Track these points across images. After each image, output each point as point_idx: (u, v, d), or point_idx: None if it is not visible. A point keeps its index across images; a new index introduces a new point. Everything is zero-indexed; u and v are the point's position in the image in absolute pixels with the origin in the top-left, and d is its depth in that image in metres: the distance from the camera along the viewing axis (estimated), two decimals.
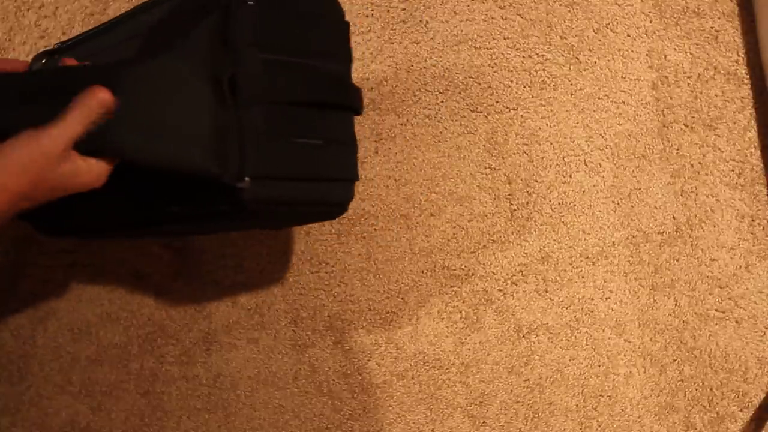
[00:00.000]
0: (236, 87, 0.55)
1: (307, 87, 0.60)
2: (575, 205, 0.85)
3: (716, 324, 0.86)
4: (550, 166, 0.85)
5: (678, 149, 0.84)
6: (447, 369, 0.88)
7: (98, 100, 0.51)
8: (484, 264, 0.86)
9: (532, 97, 0.84)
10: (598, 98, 0.84)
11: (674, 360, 0.87)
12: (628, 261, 0.86)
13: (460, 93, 0.84)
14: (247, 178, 0.55)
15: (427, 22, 0.84)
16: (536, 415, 0.88)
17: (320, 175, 0.62)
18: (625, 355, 0.87)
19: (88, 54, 0.68)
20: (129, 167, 0.53)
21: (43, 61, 0.69)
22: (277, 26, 0.58)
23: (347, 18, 0.84)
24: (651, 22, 0.83)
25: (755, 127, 0.84)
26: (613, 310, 0.87)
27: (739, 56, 0.83)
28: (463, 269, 0.86)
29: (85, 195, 0.53)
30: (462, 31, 0.84)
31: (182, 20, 0.58)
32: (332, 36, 0.64)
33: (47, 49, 0.72)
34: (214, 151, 0.54)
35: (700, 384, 0.87)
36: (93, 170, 0.53)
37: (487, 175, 0.85)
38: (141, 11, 0.66)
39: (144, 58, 0.56)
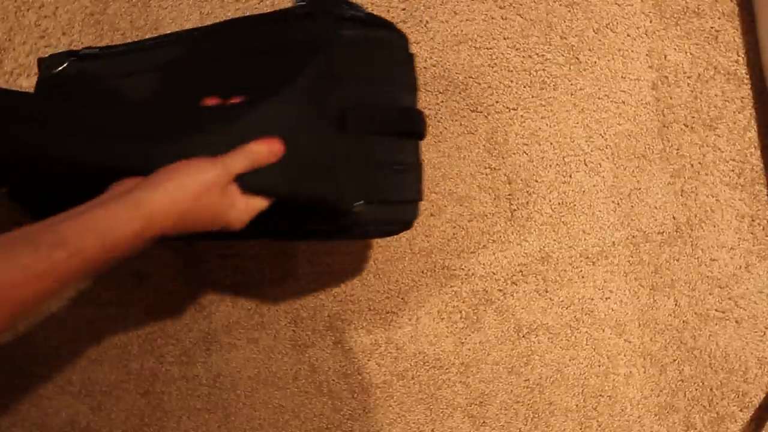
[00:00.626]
0: (347, 120, 0.60)
1: (394, 116, 0.65)
2: (575, 205, 0.85)
3: (716, 324, 0.86)
4: (550, 166, 0.85)
5: (678, 149, 0.84)
6: (447, 369, 0.88)
7: (272, 148, 0.56)
8: (484, 264, 0.86)
9: (532, 97, 0.84)
10: (598, 98, 0.84)
11: (674, 360, 0.87)
12: (628, 261, 0.86)
13: (460, 93, 0.84)
14: (361, 202, 0.61)
15: (427, 22, 0.84)
16: (536, 415, 0.89)
17: (405, 197, 0.67)
18: (625, 355, 0.87)
19: (119, 69, 0.69)
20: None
21: (66, 64, 0.70)
22: (365, 60, 0.63)
23: None
24: (651, 22, 0.83)
25: (755, 127, 0.84)
26: (613, 310, 0.87)
27: (739, 56, 0.83)
28: (463, 269, 0.86)
29: None
30: (462, 31, 0.84)
31: (285, 59, 0.62)
32: (404, 66, 0.68)
33: (72, 50, 0.72)
34: (334, 181, 0.60)
35: (700, 384, 0.87)
36: (249, 208, 0.56)
37: (487, 175, 0.85)
38: (189, 39, 0.69)
39: (281, 99, 0.58)
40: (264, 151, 0.55)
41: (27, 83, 0.83)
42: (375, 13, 0.84)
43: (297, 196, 0.58)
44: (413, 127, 0.68)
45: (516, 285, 0.86)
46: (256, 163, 0.55)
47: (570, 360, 0.87)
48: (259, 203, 0.57)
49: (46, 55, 0.74)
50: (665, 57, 0.83)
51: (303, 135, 0.58)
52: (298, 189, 0.58)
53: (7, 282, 0.43)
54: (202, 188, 0.51)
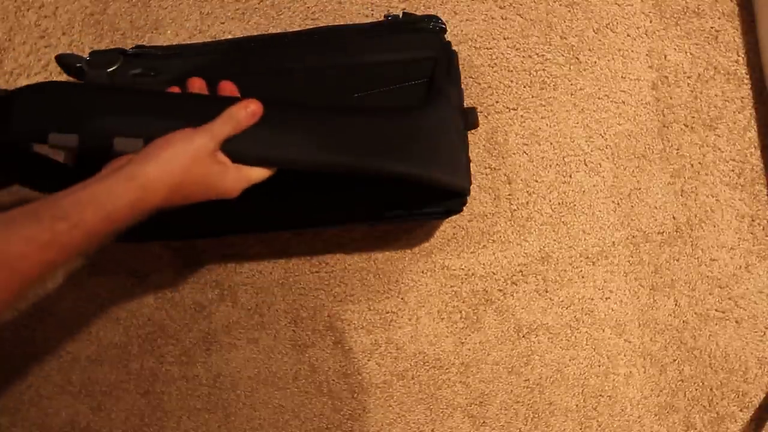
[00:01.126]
0: (467, 118, 0.73)
1: (476, 114, 0.77)
2: (575, 205, 0.85)
3: (716, 324, 0.86)
4: (550, 166, 0.85)
5: (678, 149, 0.84)
6: (447, 369, 0.88)
7: (250, 110, 0.58)
8: (484, 264, 0.86)
9: (532, 97, 0.84)
10: (598, 98, 0.84)
11: (674, 360, 0.87)
12: (628, 261, 0.86)
13: None
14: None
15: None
16: (536, 415, 0.88)
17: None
18: (625, 355, 0.87)
19: (169, 69, 0.70)
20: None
21: (118, 64, 0.69)
22: (453, 64, 0.75)
23: (347, 18, 0.85)
24: (651, 22, 0.83)
25: (755, 127, 0.84)
26: (613, 310, 0.87)
27: (739, 56, 0.83)
28: (463, 269, 0.86)
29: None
30: (462, 31, 0.84)
31: (400, 66, 0.70)
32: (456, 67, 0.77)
33: (121, 48, 0.71)
34: (462, 169, 0.71)
35: (700, 384, 0.87)
36: (242, 176, 0.57)
37: (487, 175, 0.85)
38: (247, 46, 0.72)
39: (439, 102, 0.69)
40: (243, 113, 0.57)
41: (27, 83, 0.83)
42: (375, 13, 0.84)
43: (427, 181, 0.65)
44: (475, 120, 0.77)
45: (516, 285, 0.86)
46: (239, 127, 0.57)
47: (570, 360, 0.87)
48: (255, 173, 0.58)
49: (66, 53, 0.72)
50: (665, 57, 0.83)
51: (453, 131, 0.69)
52: (434, 175, 0.66)
53: (13, 252, 0.46)
54: (191, 157, 0.53)
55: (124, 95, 0.59)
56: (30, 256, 0.46)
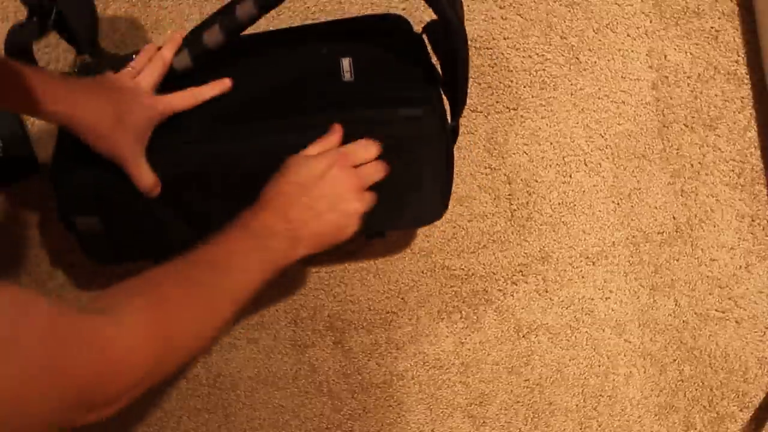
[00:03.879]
0: (454, 132, 0.70)
1: None
2: (575, 205, 0.85)
3: (716, 324, 0.86)
4: (550, 166, 0.85)
5: (678, 149, 0.84)
6: (447, 369, 0.88)
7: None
8: (484, 264, 0.86)
9: (532, 97, 0.84)
10: (598, 98, 0.84)
11: (674, 360, 0.87)
12: (628, 261, 0.86)
13: None
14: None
15: (427, 22, 0.84)
16: (536, 415, 0.88)
17: None
18: (625, 355, 0.87)
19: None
20: None
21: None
22: None
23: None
24: (651, 22, 0.83)
25: (755, 127, 0.84)
26: (613, 310, 0.87)
27: (739, 56, 0.83)
28: (463, 269, 0.86)
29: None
30: None
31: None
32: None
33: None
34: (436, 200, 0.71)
35: (700, 384, 0.87)
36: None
37: (487, 175, 0.85)
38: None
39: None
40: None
41: None
42: (374, 13, 0.84)
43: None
44: None
45: (516, 285, 0.86)
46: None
47: (570, 360, 0.87)
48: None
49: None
50: (665, 57, 0.83)
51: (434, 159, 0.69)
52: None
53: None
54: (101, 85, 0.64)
55: None
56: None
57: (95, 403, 0.42)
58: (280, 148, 0.62)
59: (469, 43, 0.84)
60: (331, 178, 0.60)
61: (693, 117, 0.84)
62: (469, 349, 0.87)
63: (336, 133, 0.63)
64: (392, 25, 0.73)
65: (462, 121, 0.85)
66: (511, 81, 0.84)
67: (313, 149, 0.62)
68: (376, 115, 0.64)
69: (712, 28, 0.83)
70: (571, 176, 0.85)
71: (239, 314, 0.57)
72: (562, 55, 0.84)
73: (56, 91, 0.58)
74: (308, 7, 0.84)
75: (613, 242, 0.85)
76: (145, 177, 0.63)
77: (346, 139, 0.63)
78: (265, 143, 0.64)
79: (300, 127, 0.64)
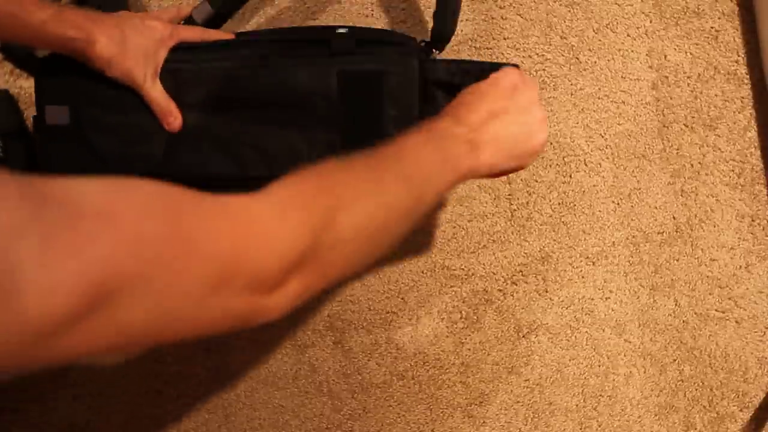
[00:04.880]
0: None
1: None
2: (575, 205, 0.85)
3: (716, 324, 0.86)
4: (550, 166, 0.85)
5: (678, 149, 0.84)
6: (447, 369, 0.88)
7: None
8: (484, 264, 0.86)
9: None
10: (598, 98, 0.84)
11: (674, 360, 0.87)
12: (628, 261, 0.86)
13: None
14: None
15: (426, 22, 0.84)
16: (536, 415, 0.88)
17: None
18: (625, 355, 0.87)
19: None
20: None
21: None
22: None
23: (347, 19, 0.85)
24: (651, 22, 0.83)
25: (755, 127, 0.84)
26: (613, 310, 0.87)
27: (739, 56, 0.83)
28: (463, 269, 0.86)
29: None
30: (462, 31, 0.84)
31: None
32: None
33: None
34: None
35: (700, 384, 0.87)
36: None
37: None
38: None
39: None
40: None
41: (27, 84, 0.83)
42: (374, 12, 0.84)
43: None
44: None
45: (516, 285, 0.86)
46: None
47: (570, 360, 0.87)
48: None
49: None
50: (665, 57, 0.83)
51: None
52: None
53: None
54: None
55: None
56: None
57: (252, 280, 0.38)
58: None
59: (469, 43, 0.84)
60: (516, 91, 0.58)
61: (693, 117, 0.84)
62: (469, 349, 0.87)
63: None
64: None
65: None
66: None
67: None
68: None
69: (712, 28, 0.83)
70: (571, 176, 0.85)
71: (420, 221, 0.51)
72: (562, 55, 0.84)
73: (69, 17, 0.59)
74: (308, 7, 0.84)
75: (613, 242, 0.85)
76: (160, 100, 0.64)
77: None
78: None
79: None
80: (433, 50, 0.72)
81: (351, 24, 0.80)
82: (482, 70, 0.66)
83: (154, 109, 0.65)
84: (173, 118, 0.65)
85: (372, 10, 0.84)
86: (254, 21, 0.85)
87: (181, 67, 0.67)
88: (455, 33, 0.84)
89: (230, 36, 0.70)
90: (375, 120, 0.67)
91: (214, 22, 0.74)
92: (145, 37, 0.64)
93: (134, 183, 0.35)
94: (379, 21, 0.83)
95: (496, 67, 0.64)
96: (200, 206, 0.37)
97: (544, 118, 0.59)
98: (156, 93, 0.65)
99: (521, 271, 0.86)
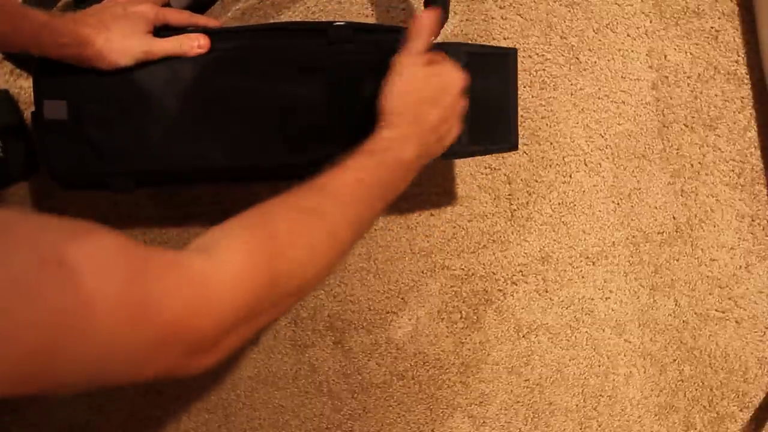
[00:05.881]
0: None
1: None
2: (575, 205, 0.85)
3: (716, 324, 0.86)
4: (550, 166, 0.85)
5: (678, 149, 0.84)
6: (447, 369, 0.88)
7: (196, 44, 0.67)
8: (484, 264, 0.86)
9: (532, 97, 0.84)
10: (598, 98, 0.84)
11: (674, 360, 0.87)
12: (628, 261, 0.86)
13: None
14: None
15: None
16: (536, 415, 0.88)
17: None
18: (625, 355, 0.87)
19: None
20: None
21: None
22: None
23: (347, 18, 0.85)
24: (651, 22, 0.83)
25: (755, 127, 0.84)
26: (613, 310, 0.87)
27: (739, 56, 0.83)
28: (463, 269, 0.86)
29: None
30: (462, 31, 0.84)
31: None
32: None
33: None
34: None
35: (700, 384, 0.87)
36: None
37: (487, 175, 0.85)
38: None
39: None
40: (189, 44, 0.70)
41: (27, 83, 0.83)
42: (375, 13, 0.84)
43: None
44: None
45: (516, 285, 0.86)
46: (180, 52, 0.68)
47: (570, 360, 0.87)
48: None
49: None
50: (665, 57, 0.83)
51: None
52: None
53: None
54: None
55: None
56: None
57: (191, 344, 0.38)
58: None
59: (469, 43, 0.84)
60: (452, 98, 0.60)
61: (693, 117, 0.84)
62: (469, 349, 0.87)
63: (426, 22, 0.62)
64: None
65: None
66: None
67: (418, 44, 0.61)
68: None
69: (712, 28, 0.83)
70: (571, 176, 0.85)
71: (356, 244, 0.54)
72: (562, 55, 0.84)
73: (60, 24, 0.60)
74: (308, 7, 0.84)
75: (613, 242, 0.85)
76: (167, 48, 0.65)
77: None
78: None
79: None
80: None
81: None
82: (478, 54, 0.69)
83: (178, 52, 0.66)
84: (188, 45, 0.66)
85: (372, 11, 0.84)
86: (254, 21, 0.85)
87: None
88: (456, 33, 0.84)
89: (216, 23, 0.71)
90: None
91: (192, 11, 0.74)
92: (132, 22, 0.64)
93: (97, 234, 0.35)
94: (378, 21, 0.83)
95: (493, 50, 0.68)
96: (156, 265, 0.37)
97: (459, 114, 0.63)
98: (160, 48, 0.65)
99: (521, 271, 0.86)
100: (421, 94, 0.59)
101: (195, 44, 0.66)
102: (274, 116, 0.69)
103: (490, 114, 0.72)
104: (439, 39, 0.73)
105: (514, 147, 0.74)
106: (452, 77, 0.61)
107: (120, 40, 0.63)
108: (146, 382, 0.37)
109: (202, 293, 0.38)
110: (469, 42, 0.82)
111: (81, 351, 0.33)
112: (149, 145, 0.68)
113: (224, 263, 0.40)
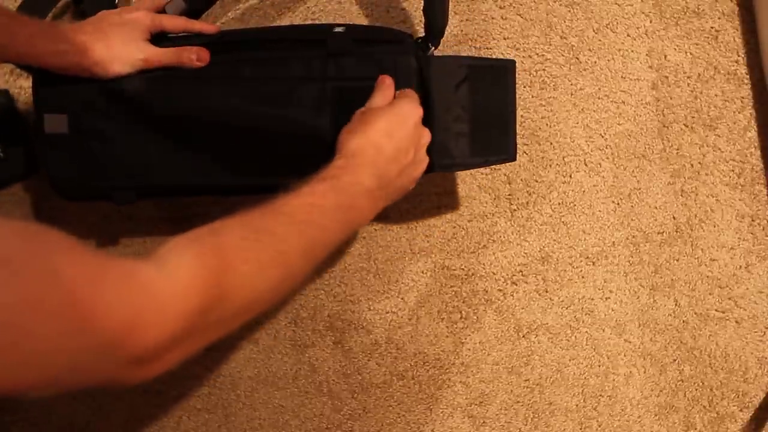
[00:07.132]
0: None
1: None
2: (575, 205, 0.85)
3: (716, 324, 0.86)
4: (550, 166, 0.85)
5: (678, 149, 0.84)
6: (447, 369, 0.88)
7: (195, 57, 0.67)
8: (484, 264, 0.86)
9: (532, 97, 0.84)
10: (598, 98, 0.84)
11: (674, 360, 0.87)
12: (628, 261, 0.86)
13: None
14: None
15: None
16: (536, 415, 0.88)
17: None
18: (625, 355, 0.87)
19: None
20: None
21: None
22: None
23: (347, 19, 0.85)
24: (651, 22, 0.83)
25: (755, 127, 0.84)
26: (613, 310, 0.87)
27: (739, 56, 0.83)
28: (463, 269, 0.86)
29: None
30: (462, 31, 0.84)
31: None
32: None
33: None
34: None
35: (700, 384, 0.87)
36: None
37: (487, 175, 0.85)
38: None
39: None
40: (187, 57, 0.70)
41: (27, 84, 0.83)
42: (375, 13, 0.84)
43: None
44: None
45: (516, 285, 0.86)
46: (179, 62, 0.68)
47: (570, 360, 0.87)
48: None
49: None
50: (665, 57, 0.83)
51: None
52: None
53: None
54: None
55: None
56: None
57: (134, 354, 0.38)
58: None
59: (469, 43, 0.84)
60: (407, 129, 0.62)
61: (693, 117, 0.84)
62: (469, 349, 0.87)
63: (389, 82, 0.65)
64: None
65: None
66: None
67: (378, 99, 0.64)
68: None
69: (712, 28, 0.83)
70: (571, 176, 0.85)
71: (310, 275, 0.54)
72: (562, 55, 0.84)
73: (56, 32, 0.60)
74: (308, 7, 0.84)
75: (613, 242, 0.85)
76: (166, 58, 0.65)
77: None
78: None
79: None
80: (430, 46, 0.72)
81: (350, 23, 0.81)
82: (478, 66, 0.70)
83: (170, 65, 0.66)
84: (187, 57, 0.66)
85: (372, 11, 0.84)
86: (254, 21, 0.85)
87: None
88: (456, 33, 0.84)
89: (214, 28, 0.71)
90: None
91: (187, 16, 0.74)
92: (128, 29, 0.64)
93: (47, 237, 0.35)
94: (379, 21, 0.84)
95: (492, 62, 0.69)
96: (110, 272, 0.37)
97: (425, 159, 0.65)
98: (158, 56, 0.65)
99: (521, 271, 0.86)
100: (376, 127, 0.61)
101: (194, 57, 0.66)
102: (273, 136, 0.69)
103: (490, 126, 0.72)
104: (440, 38, 0.73)
105: (512, 158, 0.75)
106: (406, 110, 0.63)
107: (118, 48, 0.63)
108: (84, 389, 0.37)
109: (150, 303, 0.38)
110: (469, 55, 0.82)
111: (21, 350, 0.32)
112: (150, 160, 0.68)
113: (174, 275, 0.41)
